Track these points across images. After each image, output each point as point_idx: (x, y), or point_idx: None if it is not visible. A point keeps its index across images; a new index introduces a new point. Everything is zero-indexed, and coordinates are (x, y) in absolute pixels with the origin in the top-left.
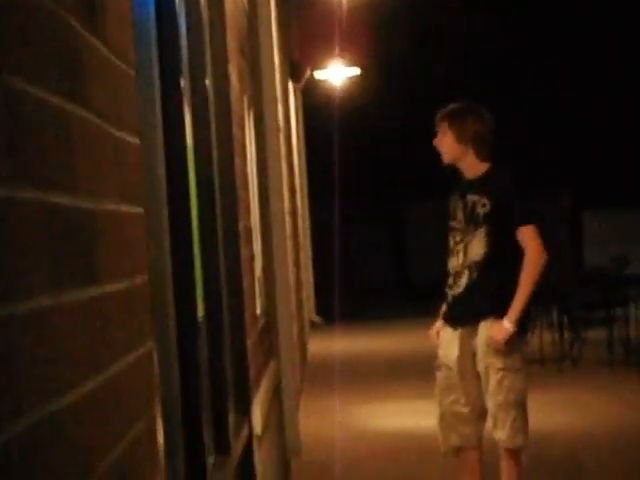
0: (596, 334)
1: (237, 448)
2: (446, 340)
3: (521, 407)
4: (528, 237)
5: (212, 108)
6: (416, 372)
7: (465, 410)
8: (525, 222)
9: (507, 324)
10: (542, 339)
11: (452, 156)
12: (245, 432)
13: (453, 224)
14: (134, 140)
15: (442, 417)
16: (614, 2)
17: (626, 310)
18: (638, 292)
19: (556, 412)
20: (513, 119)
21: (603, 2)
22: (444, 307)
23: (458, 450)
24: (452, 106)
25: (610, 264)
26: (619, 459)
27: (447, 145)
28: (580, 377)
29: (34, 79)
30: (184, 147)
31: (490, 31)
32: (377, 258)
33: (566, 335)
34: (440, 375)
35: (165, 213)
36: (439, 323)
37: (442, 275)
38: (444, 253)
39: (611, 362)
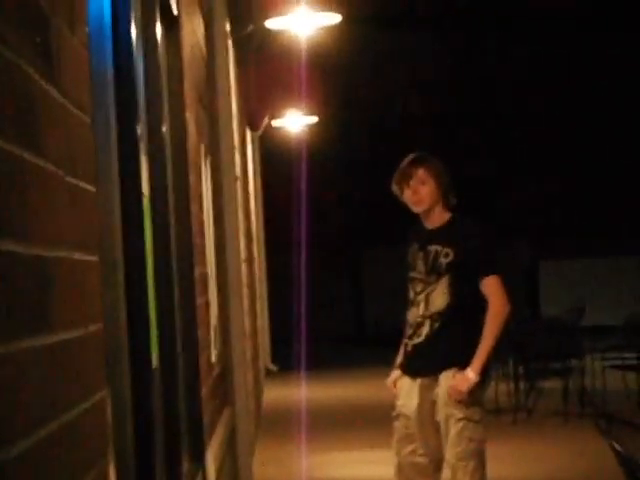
0: (551, 385)
1: None
2: (405, 390)
3: (480, 458)
4: (492, 288)
5: (169, 156)
6: (373, 421)
7: (423, 461)
8: (489, 272)
9: (471, 374)
10: (497, 389)
11: (429, 204)
12: None
13: (413, 274)
14: (90, 187)
15: (400, 468)
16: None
17: (581, 361)
18: (594, 343)
19: (510, 463)
20: (473, 168)
21: (586, 46)
22: (400, 357)
23: None
24: (423, 154)
25: (566, 314)
26: None
27: (428, 193)
28: (535, 428)
29: None
30: (140, 195)
31: (447, 80)
32: (334, 306)
33: (521, 385)
34: (398, 425)
35: (120, 261)
36: (396, 373)
37: (398, 324)
38: (401, 302)
39: (566, 413)
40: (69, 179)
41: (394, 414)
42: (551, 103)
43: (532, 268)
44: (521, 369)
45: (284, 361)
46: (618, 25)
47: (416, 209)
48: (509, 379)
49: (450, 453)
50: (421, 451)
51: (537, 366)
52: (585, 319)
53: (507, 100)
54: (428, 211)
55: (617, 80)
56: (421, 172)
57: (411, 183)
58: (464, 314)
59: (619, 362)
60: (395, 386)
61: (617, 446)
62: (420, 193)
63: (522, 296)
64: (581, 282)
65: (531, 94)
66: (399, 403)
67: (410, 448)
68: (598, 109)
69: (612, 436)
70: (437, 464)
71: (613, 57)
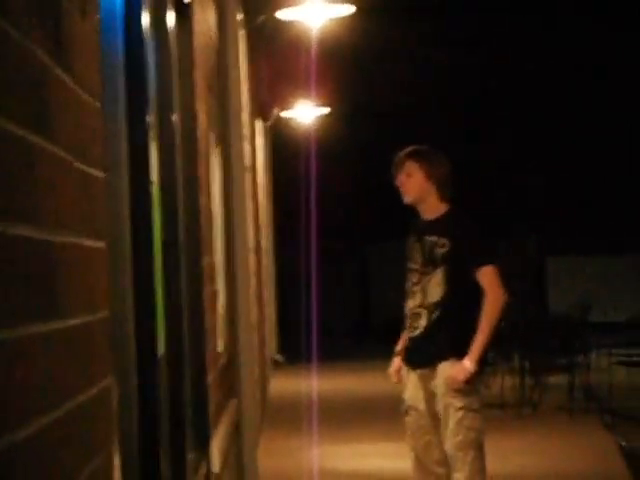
0: (557, 380)
1: None
2: (411, 383)
3: (480, 447)
4: (488, 278)
5: (179, 144)
6: (379, 413)
7: (439, 450)
8: (484, 263)
9: (468, 364)
10: (503, 384)
11: (418, 196)
12: (203, 470)
13: (410, 265)
14: (99, 174)
15: (417, 460)
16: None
17: (587, 357)
18: (599, 339)
19: (515, 458)
20: (481, 164)
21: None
22: (399, 345)
23: None
24: (416, 147)
25: (572, 310)
26: None
27: (414, 184)
28: (540, 423)
29: None
30: (149, 182)
31: (458, 72)
32: (342, 297)
33: (527, 380)
34: (409, 419)
35: (128, 248)
36: (396, 361)
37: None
38: (402, 294)
39: (571, 409)
40: (78, 165)
41: (403, 409)
42: (564, 95)
43: (539, 264)
44: (527, 364)
45: (290, 352)
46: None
47: (405, 200)
48: (515, 374)
49: (449, 443)
50: (435, 441)
51: (543, 361)
52: (592, 315)
53: (519, 89)
54: (420, 203)
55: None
56: (407, 164)
57: (399, 175)
58: (461, 304)
59: (625, 358)
60: (396, 375)
61: (622, 441)
62: (406, 185)
63: (529, 292)
64: (588, 279)
65: (543, 84)
66: (406, 397)
67: (425, 440)
68: (611, 105)
69: (617, 431)
70: None
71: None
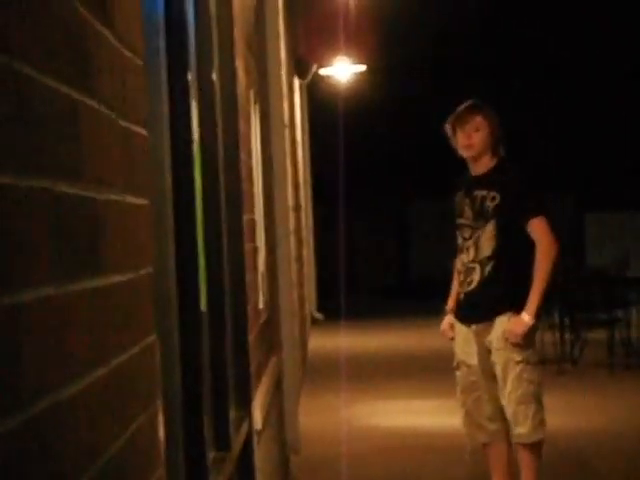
0: (597, 335)
1: (237, 443)
2: (462, 338)
3: (539, 400)
4: (539, 228)
5: (218, 102)
6: (418, 370)
7: (490, 407)
8: (535, 214)
9: (527, 317)
10: (543, 340)
11: (481, 150)
12: (245, 427)
13: (461, 221)
14: (141, 131)
15: (467, 415)
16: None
17: (627, 312)
18: (639, 294)
19: (557, 413)
20: (516, 121)
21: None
22: (450, 302)
23: (486, 446)
24: (478, 102)
25: (611, 266)
26: (620, 460)
27: (481, 139)
28: (580, 378)
29: (43, 67)
30: (190, 140)
31: (494, 31)
32: (380, 255)
33: (567, 336)
34: (460, 374)
35: (170, 205)
36: (449, 317)
37: (443, 273)
38: (446, 254)
39: (611, 364)
40: (122, 122)
41: (455, 364)
42: (599, 52)
43: (578, 220)
44: (567, 320)
45: (330, 310)
46: None
47: (465, 154)
48: (555, 329)
49: (510, 398)
50: (487, 397)
51: (583, 317)
52: (632, 271)
53: (555, 49)
54: (476, 158)
55: None
56: (478, 119)
57: (466, 127)
58: (514, 257)
59: None
60: (451, 332)
61: None
62: (473, 139)
63: (568, 248)
64: (627, 235)
65: (578, 42)
66: (458, 352)
67: (475, 395)
68: None
69: None
70: (502, 409)
71: None
